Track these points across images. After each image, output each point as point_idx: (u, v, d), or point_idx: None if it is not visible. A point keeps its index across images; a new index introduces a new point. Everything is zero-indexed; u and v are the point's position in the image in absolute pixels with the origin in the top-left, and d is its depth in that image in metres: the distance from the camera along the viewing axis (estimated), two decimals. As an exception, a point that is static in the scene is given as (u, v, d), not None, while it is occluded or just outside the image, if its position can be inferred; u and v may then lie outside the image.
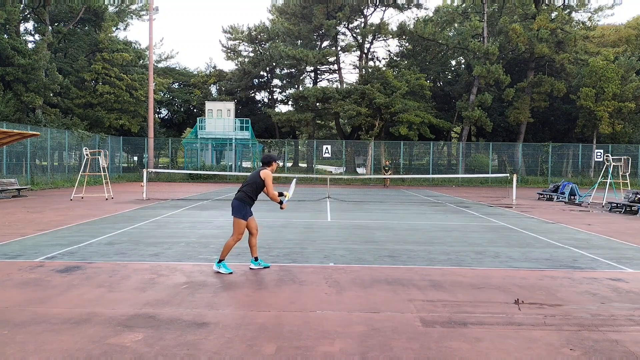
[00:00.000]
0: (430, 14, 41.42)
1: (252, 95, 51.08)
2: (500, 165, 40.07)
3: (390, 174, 28.44)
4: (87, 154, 18.30)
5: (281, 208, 6.80)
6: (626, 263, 7.58)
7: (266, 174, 6.50)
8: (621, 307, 5.26)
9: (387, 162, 30.77)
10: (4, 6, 29.57)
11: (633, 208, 15.17)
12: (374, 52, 52.45)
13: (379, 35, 41.48)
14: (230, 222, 11.54)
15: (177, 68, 54.99)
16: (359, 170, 33.76)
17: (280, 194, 6.72)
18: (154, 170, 28.65)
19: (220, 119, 35.71)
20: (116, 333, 4.24)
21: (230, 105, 36.60)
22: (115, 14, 43.21)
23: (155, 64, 49.89)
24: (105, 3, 37.54)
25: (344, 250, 8.26)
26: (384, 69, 38.37)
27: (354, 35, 41.98)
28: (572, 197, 19.48)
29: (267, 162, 6.69)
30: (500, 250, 8.50)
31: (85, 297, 5.30)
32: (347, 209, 15.27)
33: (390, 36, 40.60)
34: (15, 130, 16.95)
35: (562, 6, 37.03)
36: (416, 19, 41.14)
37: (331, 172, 41.15)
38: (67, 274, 6.32)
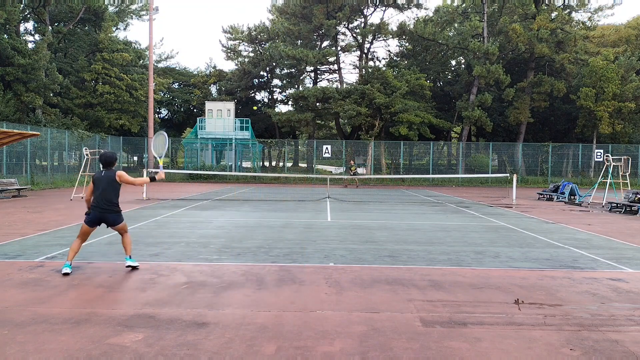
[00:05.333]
0: (430, 14, 41.46)
1: (252, 95, 51.09)
2: (500, 165, 40.08)
3: (354, 173, 28.79)
4: (87, 154, 18.31)
5: (156, 178, 6.81)
6: (626, 263, 7.58)
7: (120, 173, 6.45)
8: (621, 307, 5.26)
9: (352, 162, 30.89)
10: (4, 6, 29.55)
11: (633, 208, 15.17)
12: (374, 52, 52.50)
13: (379, 35, 41.48)
14: (230, 222, 11.56)
15: (177, 68, 55.03)
16: (359, 170, 33.77)
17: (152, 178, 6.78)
18: (154, 170, 28.65)
19: (220, 119, 35.72)
20: (116, 333, 4.24)
21: (230, 105, 36.61)
22: (115, 14, 43.22)
23: (155, 64, 49.93)
24: (105, 3, 37.54)
25: (344, 250, 8.26)
26: (384, 69, 38.34)
27: (354, 35, 41.98)
28: (572, 197, 19.48)
29: (111, 163, 6.54)
30: (500, 250, 8.50)
31: (85, 297, 5.30)
32: (347, 209, 15.27)
33: (390, 36, 40.60)
34: (15, 130, 16.94)
35: (562, 6, 37.02)
36: (416, 19, 41.18)
37: (331, 172, 41.14)
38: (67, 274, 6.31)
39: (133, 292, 5.56)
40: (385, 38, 42.23)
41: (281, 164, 56.29)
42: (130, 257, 6.62)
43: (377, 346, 4.03)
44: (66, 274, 6.24)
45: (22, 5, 34.54)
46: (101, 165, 6.53)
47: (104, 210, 6.34)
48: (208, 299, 5.31)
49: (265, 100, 52.70)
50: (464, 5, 38.22)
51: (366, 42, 42.39)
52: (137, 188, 20.89)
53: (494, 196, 22.00)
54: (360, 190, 26.47)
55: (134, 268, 6.59)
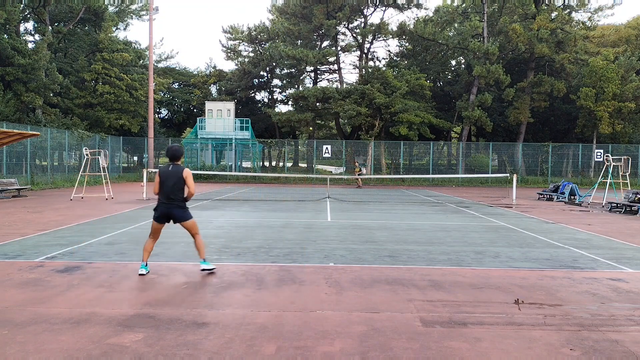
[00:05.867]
0: (430, 14, 41.47)
1: (252, 95, 51.10)
2: (500, 165, 40.08)
3: (359, 173, 28.99)
4: (87, 154, 18.30)
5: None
6: (626, 263, 7.58)
7: (187, 173, 6.33)
8: (621, 307, 5.26)
9: (357, 163, 31.00)
10: (4, 6, 29.56)
11: (633, 208, 15.17)
12: (374, 52, 52.51)
13: (379, 35, 41.48)
14: (230, 222, 11.56)
15: (177, 68, 55.03)
16: (362, 170, 33.85)
17: None
18: (154, 170, 28.64)
19: (220, 119, 35.72)
20: (116, 333, 4.24)
21: (230, 105, 36.61)
22: (115, 14, 43.22)
23: (155, 64, 49.93)
24: (105, 3, 37.55)
25: (344, 250, 8.26)
26: (384, 69, 38.35)
27: (354, 35, 41.98)
28: (572, 197, 19.48)
29: (177, 157, 6.40)
30: (500, 250, 8.50)
31: (85, 297, 5.30)
32: (347, 209, 15.27)
33: (390, 36, 40.61)
34: (15, 130, 16.94)
35: (562, 6, 37.03)
36: (416, 19, 41.18)
37: (331, 172, 41.14)
38: (67, 274, 6.32)
39: (133, 292, 5.56)
40: (385, 38, 42.25)
41: (281, 164, 56.32)
42: (204, 260, 6.41)
43: (377, 346, 4.03)
44: (141, 275, 6.19)
45: (22, 5, 34.54)
46: (168, 159, 6.40)
47: (171, 205, 6.24)
48: (208, 299, 5.31)
49: (265, 100, 52.72)
50: (464, 5, 38.23)
51: (366, 42, 42.40)
52: (137, 188, 20.87)
53: (494, 196, 22.00)
54: (360, 190, 26.47)
55: (211, 272, 6.38)
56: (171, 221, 6.42)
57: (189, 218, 6.38)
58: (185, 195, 6.35)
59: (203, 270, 6.39)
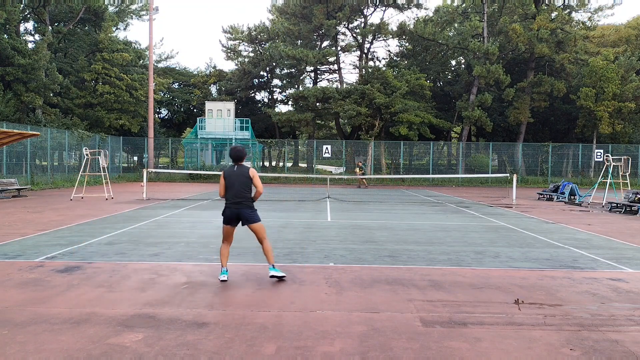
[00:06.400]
0: (430, 14, 41.45)
1: (252, 95, 51.10)
2: (500, 165, 40.08)
3: (362, 173, 28.93)
4: (87, 154, 18.30)
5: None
6: (626, 263, 7.58)
7: (253, 173, 6.26)
8: (621, 307, 5.26)
9: (360, 163, 31.02)
10: (4, 6, 29.56)
11: (633, 208, 15.17)
12: (374, 52, 52.52)
13: (379, 35, 41.48)
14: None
15: (177, 68, 55.03)
16: (358, 170, 33.83)
17: None
18: (154, 170, 28.67)
19: (220, 119, 35.73)
20: (116, 333, 4.24)
21: (230, 105, 36.61)
22: (115, 14, 43.23)
23: (155, 64, 49.93)
24: (105, 3, 37.56)
25: (344, 250, 8.26)
26: (384, 69, 38.34)
27: (354, 35, 41.98)
28: (572, 197, 19.48)
29: (241, 158, 6.31)
30: (500, 250, 8.50)
31: (85, 297, 5.30)
32: (347, 209, 15.27)
33: (390, 36, 40.60)
34: (15, 130, 16.94)
35: (562, 6, 37.03)
36: (416, 19, 41.16)
37: (331, 172, 41.12)
38: (67, 274, 6.32)
39: (133, 292, 5.56)
40: (385, 38, 42.24)
41: (281, 164, 56.32)
42: (274, 267, 6.16)
43: (377, 346, 4.03)
44: (224, 281, 6.03)
45: (22, 5, 34.55)
46: (231, 160, 6.29)
47: (239, 205, 6.11)
48: (208, 299, 5.31)
49: (265, 100, 52.73)
50: (464, 5, 38.23)
51: (366, 42, 42.40)
52: (137, 188, 20.88)
53: (494, 196, 22.00)
54: (360, 190, 26.48)
55: (280, 279, 6.14)
56: (239, 223, 6.26)
57: (258, 220, 6.20)
58: (252, 194, 6.25)
59: (272, 277, 6.13)
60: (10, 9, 30.17)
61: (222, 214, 6.27)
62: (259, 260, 7.34)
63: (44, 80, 32.26)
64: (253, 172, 6.23)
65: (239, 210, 6.13)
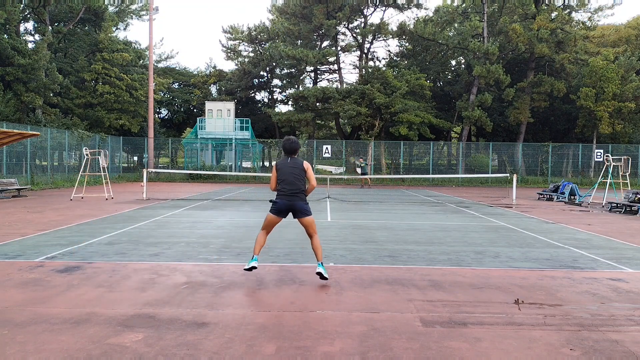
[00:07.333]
0: (430, 14, 41.45)
1: (252, 95, 51.08)
2: (500, 165, 40.08)
3: (361, 173, 28.65)
4: (87, 154, 18.30)
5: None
6: (626, 263, 7.58)
7: (307, 165, 6.16)
8: (621, 307, 5.26)
9: (360, 161, 30.78)
10: (4, 6, 29.57)
11: (633, 208, 15.17)
12: (374, 52, 52.45)
13: (379, 35, 41.47)
14: (230, 222, 11.56)
15: (177, 68, 55.03)
16: (359, 170, 33.79)
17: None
18: (154, 170, 28.67)
19: (220, 119, 35.72)
20: (116, 333, 4.24)
21: (230, 105, 36.61)
22: (115, 14, 43.25)
23: (155, 64, 49.93)
24: (105, 3, 37.57)
25: (344, 250, 8.26)
26: (384, 69, 38.35)
27: (354, 35, 41.97)
28: (572, 197, 19.48)
29: (295, 150, 6.16)
30: (500, 250, 8.50)
31: (85, 297, 5.30)
32: (347, 209, 15.27)
33: (390, 36, 40.60)
34: (15, 130, 16.95)
35: (562, 6, 37.04)
36: (416, 19, 41.17)
37: (331, 172, 41.11)
38: (67, 274, 6.31)
39: (133, 292, 5.56)
40: (385, 38, 42.23)
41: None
42: (322, 264, 5.98)
43: (377, 346, 4.03)
44: (253, 268, 5.94)
45: (22, 5, 34.55)
46: (284, 152, 6.18)
47: (293, 197, 5.99)
48: (208, 299, 5.31)
49: (265, 100, 52.71)
50: (464, 5, 38.23)
51: (366, 42, 42.39)
52: (137, 188, 20.87)
53: (494, 196, 22.00)
54: (360, 190, 26.48)
55: (323, 277, 5.91)
56: (289, 215, 6.14)
57: (310, 214, 6.06)
58: (306, 187, 6.16)
59: (318, 273, 5.91)
60: (10, 9, 30.17)
61: (272, 203, 6.18)
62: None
63: (44, 80, 32.27)
64: (307, 165, 6.16)
65: (292, 202, 6.03)
